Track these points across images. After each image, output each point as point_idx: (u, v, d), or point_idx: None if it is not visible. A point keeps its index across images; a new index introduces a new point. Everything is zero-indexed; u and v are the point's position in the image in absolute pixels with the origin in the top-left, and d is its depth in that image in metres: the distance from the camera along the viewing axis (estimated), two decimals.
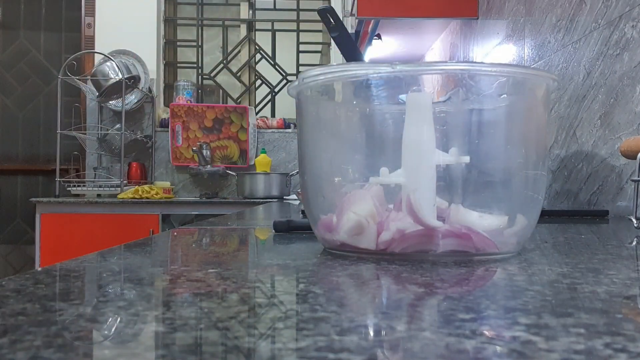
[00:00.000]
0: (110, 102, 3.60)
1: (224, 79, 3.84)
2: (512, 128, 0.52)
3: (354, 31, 2.59)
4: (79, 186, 3.35)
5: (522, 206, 0.51)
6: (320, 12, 0.77)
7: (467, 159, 0.48)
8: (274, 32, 3.86)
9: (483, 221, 0.48)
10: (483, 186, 0.50)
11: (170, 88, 3.85)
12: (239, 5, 3.97)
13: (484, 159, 0.50)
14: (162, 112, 3.74)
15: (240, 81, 3.81)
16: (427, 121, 0.47)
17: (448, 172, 0.48)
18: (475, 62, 0.48)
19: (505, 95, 0.50)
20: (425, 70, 0.50)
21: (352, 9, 2.46)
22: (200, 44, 3.90)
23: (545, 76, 0.51)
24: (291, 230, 0.72)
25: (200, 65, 3.90)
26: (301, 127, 0.56)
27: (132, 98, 3.62)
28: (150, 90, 3.64)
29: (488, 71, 0.49)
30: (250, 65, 3.84)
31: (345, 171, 0.54)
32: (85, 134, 3.59)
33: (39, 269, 0.42)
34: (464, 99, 0.49)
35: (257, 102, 3.83)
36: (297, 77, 0.53)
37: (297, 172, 3.25)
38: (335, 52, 3.81)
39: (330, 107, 0.55)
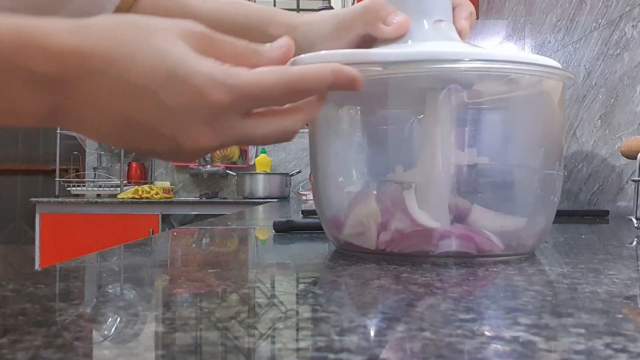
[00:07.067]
0: None
1: None
2: (530, 127, 0.52)
3: None
4: (78, 186, 3.35)
5: (539, 207, 0.51)
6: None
7: (485, 159, 0.47)
8: None
9: (500, 221, 0.48)
10: (500, 187, 0.50)
11: None
12: None
13: (502, 159, 0.49)
14: None
15: None
16: (445, 121, 0.47)
17: (466, 172, 0.48)
18: (496, 60, 0.47)
19: (522, 93, 0.50)
20: (442, 69, 0.49)
21: None
22: None
23: (562, 74, 0.49)
24: (291, 230, 0.72)
25: None
26: (310, 127, 0.56)
27: None
28: None
29: (509, 69, 0.46)
30: None
31: (352, 171, 0.54)
32: None
33: (39, 269, 0.41)
34: (481, 98, 0.48)
35: None
36: None
37: (298, 172, 3.25)
38: None
39: (335, 106, 0.55)
